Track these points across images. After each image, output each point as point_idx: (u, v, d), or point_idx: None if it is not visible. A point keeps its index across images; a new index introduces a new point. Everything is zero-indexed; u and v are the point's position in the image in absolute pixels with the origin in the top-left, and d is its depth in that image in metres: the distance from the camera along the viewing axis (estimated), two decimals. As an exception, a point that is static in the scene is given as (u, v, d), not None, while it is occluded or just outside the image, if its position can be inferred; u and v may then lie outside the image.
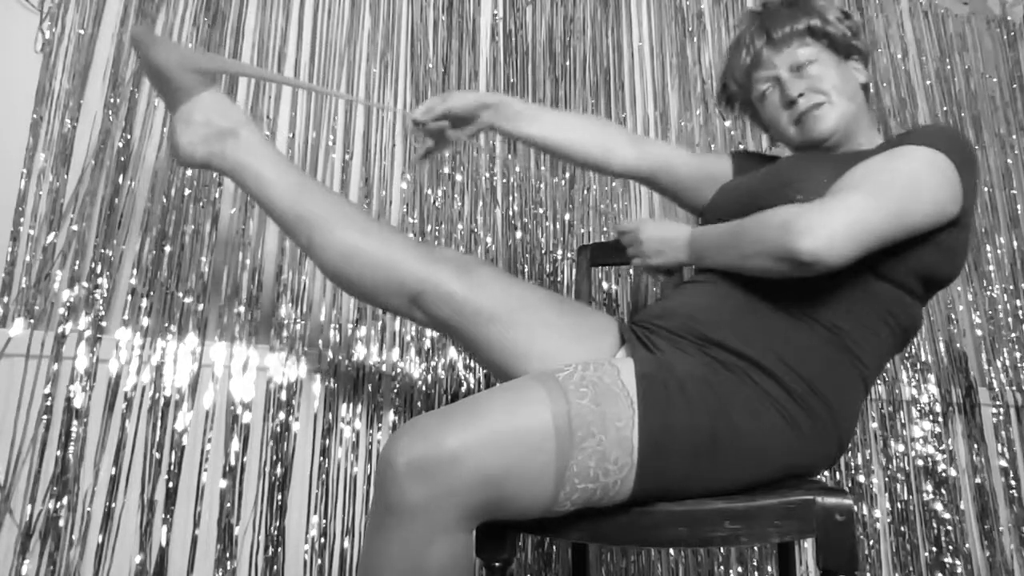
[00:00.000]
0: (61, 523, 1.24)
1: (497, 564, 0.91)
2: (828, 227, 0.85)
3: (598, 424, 0.81)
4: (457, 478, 0.76)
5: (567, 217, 1.77)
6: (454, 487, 0.76)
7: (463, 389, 1.56)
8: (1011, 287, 2.18)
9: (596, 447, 0.81)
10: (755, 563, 1.69)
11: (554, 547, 1.55)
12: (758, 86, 1.16)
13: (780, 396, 0.91)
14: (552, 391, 0.83)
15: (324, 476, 1.43)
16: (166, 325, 1.39)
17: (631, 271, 1.66)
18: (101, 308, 1.35)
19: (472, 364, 1.58)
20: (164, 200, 1.44)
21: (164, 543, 1.29)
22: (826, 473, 1.82)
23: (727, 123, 2.02)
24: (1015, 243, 2.23)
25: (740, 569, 1.67)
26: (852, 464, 1.85)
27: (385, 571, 0.79)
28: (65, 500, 1.25)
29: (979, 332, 2.11)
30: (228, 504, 1.34)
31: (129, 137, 1.45)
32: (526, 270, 1.70)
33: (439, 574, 0.78)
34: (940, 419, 1.96)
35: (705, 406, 0.87)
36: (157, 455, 1.32)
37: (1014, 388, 2.08)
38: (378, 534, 0.79)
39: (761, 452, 0.89)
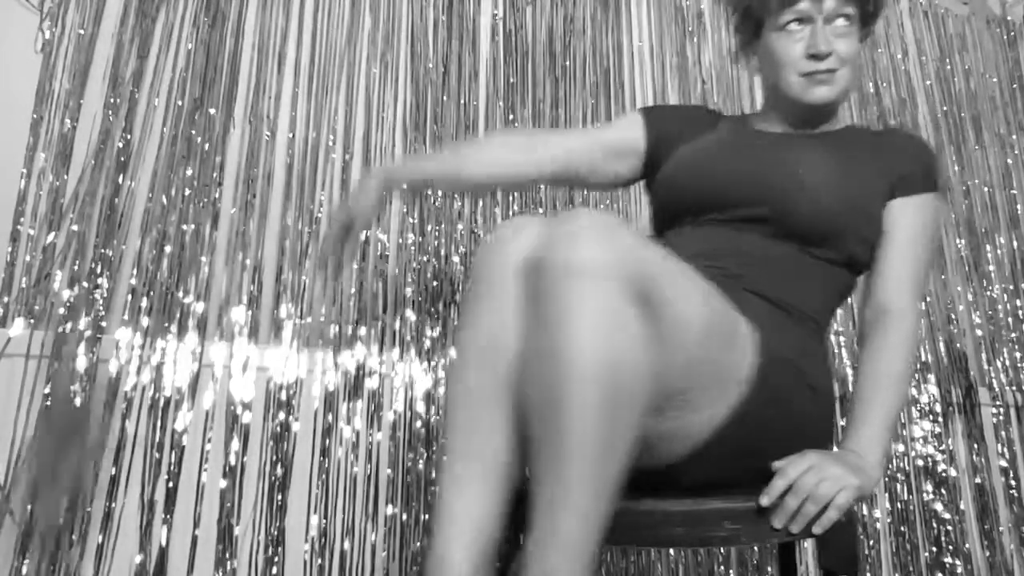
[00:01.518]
0: (61, 523, 1.24)
1: (498, 564, 0.91)
2: (914, 312, 1.03)
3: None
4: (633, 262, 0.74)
5: (567, 217, 1.77)
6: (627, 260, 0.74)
7: (463, 389, 1.56)
8: (1011, 287, 2.18)
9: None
10: (755, 563, 1.69)
11: (554, 547, 1.55)
12: (786, 16, 1.06)
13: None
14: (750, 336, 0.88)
15: (324, 476, 1.43)
16: (166, 325, 1.39)
17: None
18: (101, 308, 1.35)
19: (472, 364, 1.58)
20: (164, 200, 1.44)
21: (164, 543, 1.29)
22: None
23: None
24: (1015, 243, 2.23)
25: (740, 569, 1.67)
26: (852, 464, 1.85)
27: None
28: (65, 500, 1.25)
29: (979, 332, 2.11)
30: (228, 504, 1.34)
31: (129, 137, 1.45)
32: (526, 270, 1.70)
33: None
34: (940, 419, 1.96)
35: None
36: (157, 455, 1.32)
37: (1014, 388, 2.08)
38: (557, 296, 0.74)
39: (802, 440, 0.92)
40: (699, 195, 1.06)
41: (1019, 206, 2.28)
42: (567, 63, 1.90)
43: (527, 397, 0.76)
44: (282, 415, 1.43)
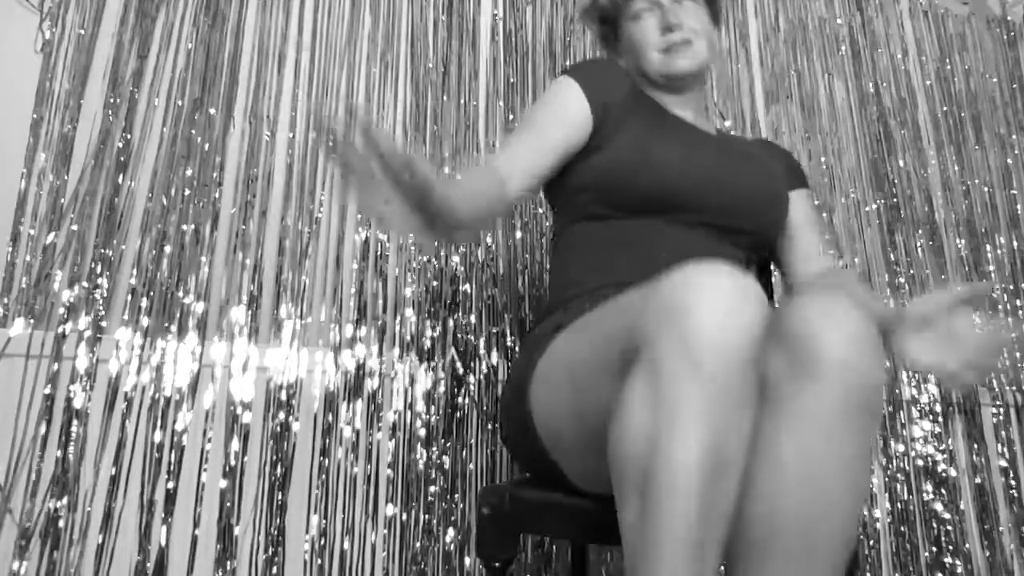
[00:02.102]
0: (61, 523, 1.24)
1: (497, 564, 0.91)
2: None
3: None
4: None
5: (567, 217, 1.77)
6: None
7: (463, 390, 1.56)
8: (1011, 287, 2.18)
9: None
10: (755, 563, 1.69)
11: (554, 547, 1.55)
12: (637, 4, 1.18)
13: None
14: None
15: (324, 476, 1.43)
16: (166, 325, 1.39)
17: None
18: (101, 308, 1.35)
19: (473, 365, 1.58)
20: (164, 200, 1.44)
21: (164, 543, 1.29)
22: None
23: (727, 123, 2.02)
24: (1015, 243, 2.23)
25: (740, 569, 1.67)
26: (852, 464, 1.85)
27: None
28: (65, 500, 1.25)
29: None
30: (228, 504, 1.34)
31: (129, 137, 1.45)
32: (526, 271, 1.70)
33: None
34: (940, 419, 1.96)
35: None
36: (157, 455, 1.32)
37: (1014, 388, 2.08)
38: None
39: None
40: (675, 197, 1.05)
41: (1019, 206, 2.27)
42: (567, 63, 1.90)
43: (763, 507, 0.70)
44: (282, 415, 1.43)
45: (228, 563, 1.32)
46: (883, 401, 0.71)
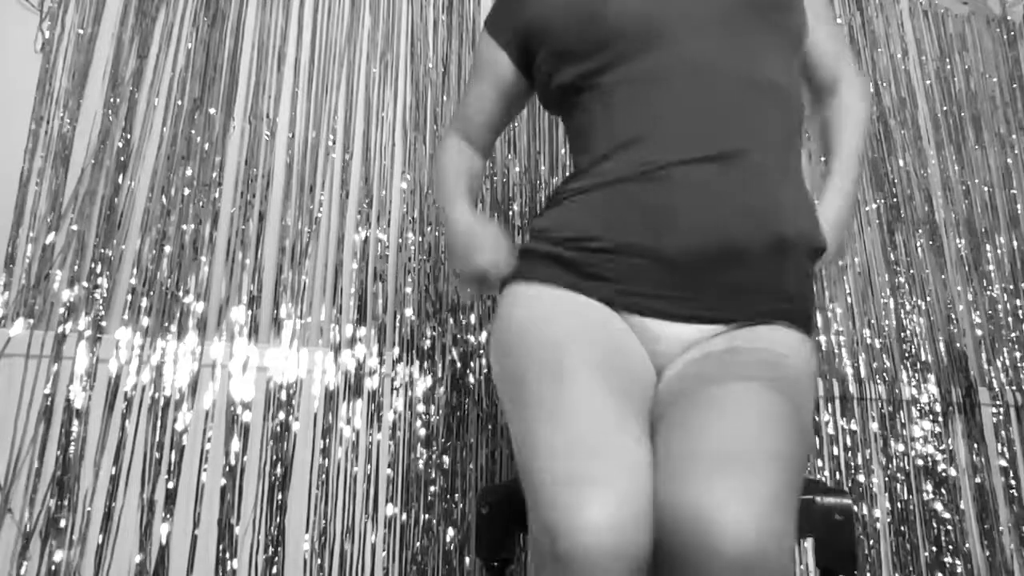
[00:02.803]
0: (61, 523, 1.24)
1: (496, 564, 0.91)
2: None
3: None
4: None
5: (567, 217, 1.77)
6: None
7: (463, 390, 1.56)
8: (1011, 287, 2.18)
9: None
10: (755, 563, 1.69)
11: (554, 547, 1.55)
12: None
13: None
14: None
15: (324, 476, 1.43)
16: (166, 325, 1.39)
17: None
18: (101, 308, 1.35)
19: (473, 366, 1.58)
20: (164, 200, 1.44)
21: (164, 543, 1.30)
22: (826, 472, 1.82)
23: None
24: (1015, 243, 2.23)
25: (740, 569, 1.67)
26: (852, 464, 1.84)
27: None
28: (65, 500, 1.25)
29: (979, 332, 2.11)
30: (228, 504, 1.34)
31: (129, 137, 1.45)
32: (526, 270, 1.70)
33: None
34: (940, 419, 1.96)
35: None
36: (157, 455, 1.32)
37: (1014, 388, 2.08)
38: None
39: None
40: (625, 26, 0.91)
41: (1019, 206, 2.27)
42: (567, 63, 1.90)
43: None
44: (282, 415, 1.43)
45: (228, 563, 1.33)
46: None
